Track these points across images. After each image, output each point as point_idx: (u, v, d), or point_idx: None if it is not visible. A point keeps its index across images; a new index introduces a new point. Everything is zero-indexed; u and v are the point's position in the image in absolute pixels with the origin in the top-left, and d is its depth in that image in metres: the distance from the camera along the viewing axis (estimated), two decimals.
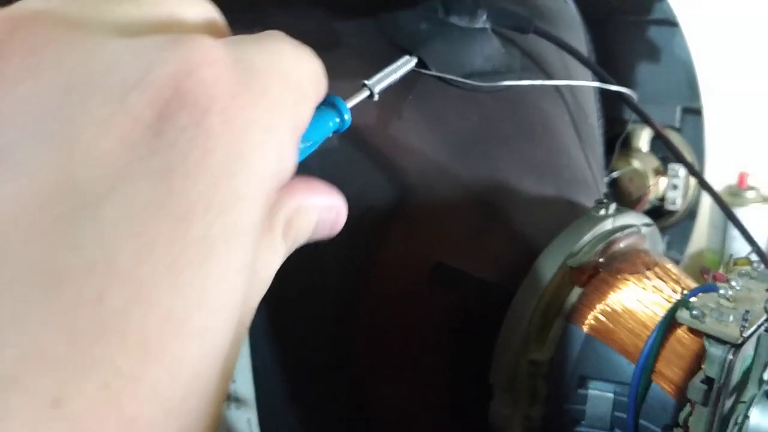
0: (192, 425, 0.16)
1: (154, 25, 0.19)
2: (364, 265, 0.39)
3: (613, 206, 0.42)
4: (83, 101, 0.16)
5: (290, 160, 0.19)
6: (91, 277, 0.15)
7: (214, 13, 0.22)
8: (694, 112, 0.72)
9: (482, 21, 0.45)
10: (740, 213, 0.88)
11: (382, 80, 0.35)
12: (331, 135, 0.27)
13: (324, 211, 0.23)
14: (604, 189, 0.60)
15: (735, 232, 1.00)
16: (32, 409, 0.14)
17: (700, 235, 0.94)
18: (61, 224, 0.15)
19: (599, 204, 0.42)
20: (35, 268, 0.15)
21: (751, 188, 1.02)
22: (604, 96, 0.62)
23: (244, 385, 0.39)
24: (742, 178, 1.03)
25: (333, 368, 0.40)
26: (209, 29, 0.21)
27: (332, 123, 0.27)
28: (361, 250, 0.39)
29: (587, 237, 0.40)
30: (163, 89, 0.17)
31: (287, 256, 0.21)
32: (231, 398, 0.40)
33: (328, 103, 0.27)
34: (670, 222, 0.77)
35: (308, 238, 0.22)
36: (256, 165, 0.18)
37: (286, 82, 0.19)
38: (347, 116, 0.28)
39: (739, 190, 1.04)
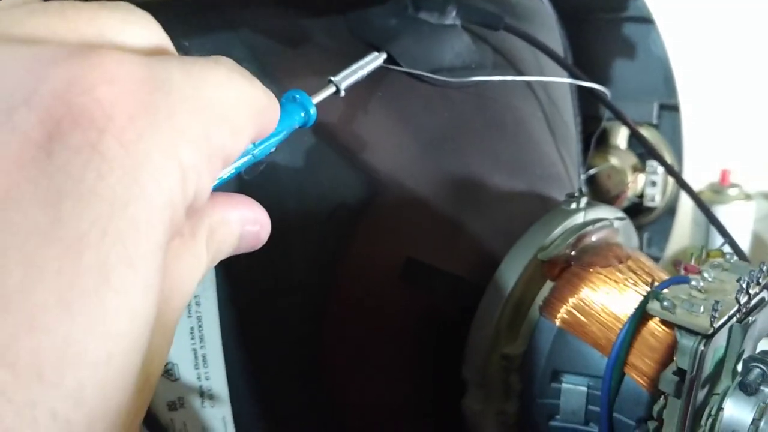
0: None
1: (73, 44, 0.17)
2: (333, 261, 0.39)
3: (584, 200, 0.42)
4: None
5: (201, 186, 0.18)
6: None
7: (161, 40, 0.20)
8: (671, 108, 0.72)
9: (452, 17, 0.45)
10: (723, 210, 0.88)
11: (349, 76, 0.34)
12: (296, 128, 0.27)
13: (247, 223, 0.22)
14: (580, 186, 0.60)
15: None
16: None
17: (683, 233, 0.94)
18: None
19: (570, 198, 0.42)
20: None
21: (734, 185, 1.02)
22: (581, 94, 0.62)
23: (218, 382, 0.39)
24: (724, 175, 1.04)
25: (303, 365, 0.39)
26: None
27: (297, 118, 0.27)
28: (331, 246, 0.39)
29: (558, 230, 0.40)
30: (54, 106, 0.16)
31: (213, 264, 0.21)
32: (205, 396, 0.40)
33: (293, 99, 0.27)
34: (650, 219, 0.77)
35: (234, 250, 0.22)
36: (152, 192, 0.17)
37: (203, 109, 0.18)
38: (312, 111, 0.28)
39: (721, 187, 1.04)
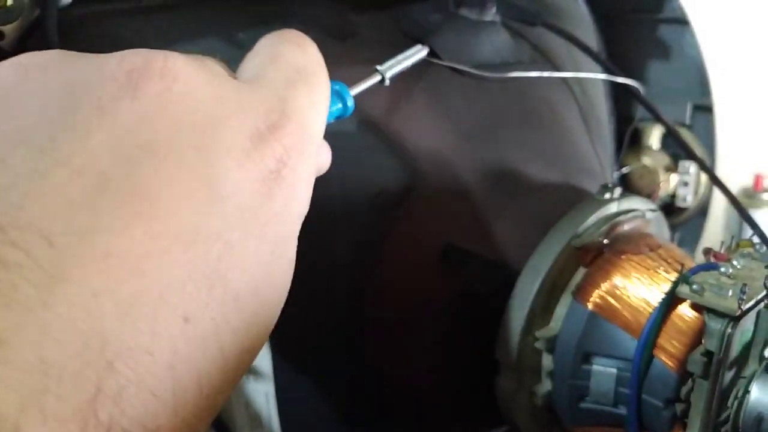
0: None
1: None
2: (375, 245, 0.41)
3: (617, 190, 0.43)
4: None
5: None
6: None
7: None
8: (705, 109, 0.73)
9: (492, 14, 0.47)
10: (756, 216, 0.88)
11: (394, 66, 0.36)
12: (333, 120, 0.29)
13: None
14: (613, 181, 0.61)
15: (750, 233, 1.00)
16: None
17: (715, 235, 0.94)
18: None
19: (604, 188, 0.43)
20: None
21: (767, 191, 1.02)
22: (615, 94, 0.63)
23: (262, 358, 0.41)
24: (758, 180, 1.04)
25: (344, 344, 0.41)
26: None
27: (335, 109, 0.29)
28: (374, 230, 0.41)
29: (592, 219, 0.41)
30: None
31: None
32: (250, 371, 0.42)
33: (333, 91, 0.29)
34: (681, 219, 0.78)
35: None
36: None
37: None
38: (350, 103, 0.29)
39: (754, 192, 1.04)
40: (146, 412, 0.17)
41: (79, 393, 0.16)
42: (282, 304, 0.23)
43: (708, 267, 0.38)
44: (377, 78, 0.34)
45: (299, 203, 0.23)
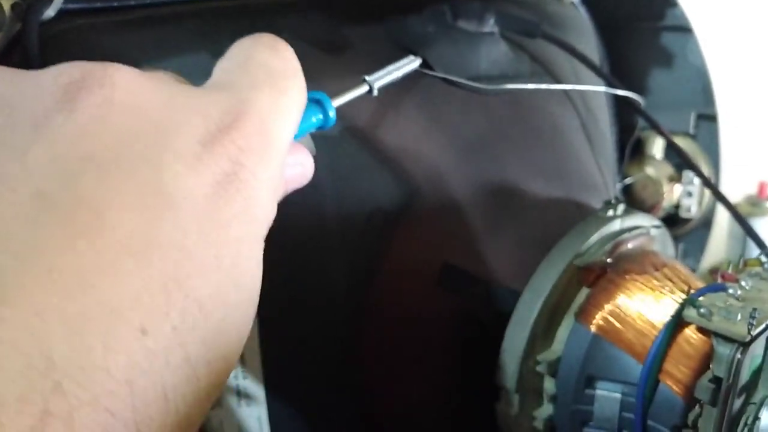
0: None
1: None
2: (371, 265, 0.40)
3: (621, 207, 0.42)
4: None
5: None
6: None
7: None
8: (708, 118, 0.71)
9: (490, 25, 0.45)
10: (760, 223, 0.87)
11: (383, 77, 0.35)
12: (314, 130, 0.28)
13: (288, 167, 0.25)
14: (616, 195, 0.60)
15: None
16: None
17: (719, 246, 0.93)
18: None
19: (607, 205, 0.42)
20: None
21: None
22: (618, 104, 0.62)
23: (254, 381, 0.40)
24: (762, 187, 1.03)
25: (340, 367, 0.40)
26: None
27: (315, 119, 0.28)
28: (369, 250, 0.40)
29: (595, 237, 0.40)
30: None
31: None
32: (242, 395, 0.40)
33: (313, 100, 0.28)
34: (686, 230, 0.76)
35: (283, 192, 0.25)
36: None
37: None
38: (332, 114, 0.28)
39: (759, 200, 1.03)
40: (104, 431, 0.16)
41: (24, 418, 0.15)
42: (253, 308, 0.22)
43: (715, 288, 0.37)
44: (365, 88, 0.33)
45: (261, 207, 0.22)
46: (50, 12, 0.39)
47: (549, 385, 0.39)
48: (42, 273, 0.17)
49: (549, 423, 0.39)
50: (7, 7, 0.39)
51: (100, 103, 0.20)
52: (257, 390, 0.40)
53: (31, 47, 0.37)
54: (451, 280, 0.40)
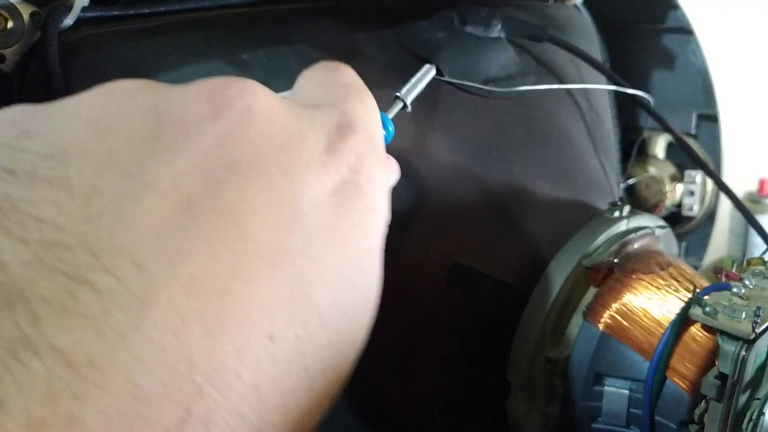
0: None
1: None
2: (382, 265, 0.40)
3: (627, 208, 0.43)
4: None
5: None
6: None
7: None
8: (710, 118, 0.72)
9: (497, 30, 0.46)
10: (761, 220, 0.88)
11: (411, 91, 0.36)
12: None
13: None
14: (620, 194, 0.61)
15: (756, 239, 1.00)
16: None
17: (720, 244, 0.94)
18: None
19: (613, 206, 0.43)
20: None
21: None
22: (619, 103, 0.63)
23: None
24: (762, 184, 1.03)
25: None
26: None
27: (385, 133, 0.29)
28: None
29: (602, 238, 0.41)
30: None
31: None
32: None
33: None
34: (688, 228, 0.77)
35: None
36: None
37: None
38: (391, 128, 0.29)
39: (759, 197, 1.04)
40: None
41: (169, 417, 0.16)
42: (370, 323, 0.23)
43: (720, 287, 0.38)
44: (400, 105, 0.34)
45: (379, 212, 0.23)
46: (69, 20, 0.40)
47: (558, 382, 0.40)
48: (186, 278, 0.17)
49: (558, 419, 0.40)
50: (26, 17, 0.40)
51: (241, 111, 0.20)
52: None
53: (51, 55, 0.38)
54: (461, 279, 0.41)
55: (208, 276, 0.17)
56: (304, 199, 0.20)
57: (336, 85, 0.26)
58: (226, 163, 0.19)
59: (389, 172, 0.27)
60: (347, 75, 0.27)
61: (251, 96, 0.21)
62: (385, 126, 0.29)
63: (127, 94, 0.21)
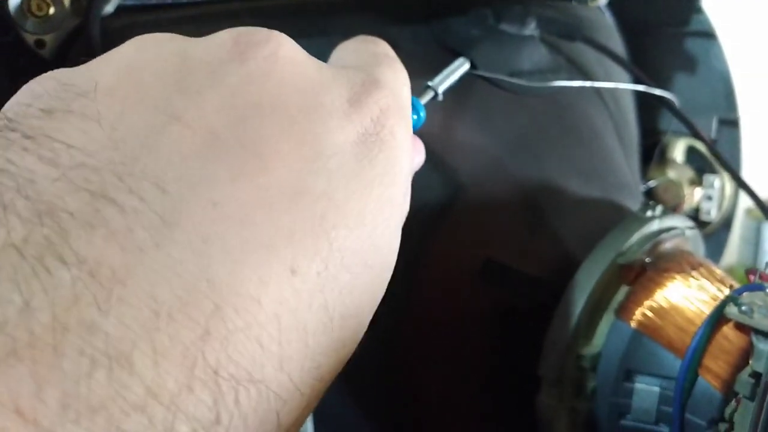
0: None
1: None
2: (415, 261, 0.41)
3: (659, 208, 0.43)
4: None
5: None
6: None
7: None
8: (730, 123, 0.72)
9: (531, 28, 0.46)
10: None
11: (443, 81, 0.36)
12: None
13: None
14: (642, 197, 0.61)
15: (766, 247, 1.00)
16: None
17: (732, 251, 0.94)
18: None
19: (646, 206, 0.43)
20: None
21: None
22: (640, 106, 0.63)
23: None
24: None
25: (382, 358, 0.41)
26: None
27: (416, 117, 0.30)
28: (413, 246, 0.41)
29: (635, 237, 0.41)
30: None
31: None
32: None
33: None
34: (705, 233, 0.77)
35: None
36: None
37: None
38: (422, 113, 0.30)
39: None
40: (253, 361, 0.17)
41: (187, 333, 0.16)
42: (388, 274, 0.23)
43: (753, 288, 0.38)
44: (431, 94, 0.34)
45: (401, 169, 0.23)
46: (110, 8, 0.40)
47: (589, 378, 0.40)
48: (208, 204, 0.18)
49: (588, 415, 0.40)
50: (67, 3, 0.40)
51: (267, 55, 0.22)
52: None
53: (94, 41, 0.38)
54: (494, 275, 0.41)
55: (230, 204, 0.18)
56: (326, 144, 0.21)
57: (368, 54, 0.27)
58: (249, 102, 0.20)
59: (414, 152, 0.28)
60: (381, 47, 0.28)
61: (276, 43, 0.22)
62: (415, 110, 0.30)
63: (157, 42, 0.22)
